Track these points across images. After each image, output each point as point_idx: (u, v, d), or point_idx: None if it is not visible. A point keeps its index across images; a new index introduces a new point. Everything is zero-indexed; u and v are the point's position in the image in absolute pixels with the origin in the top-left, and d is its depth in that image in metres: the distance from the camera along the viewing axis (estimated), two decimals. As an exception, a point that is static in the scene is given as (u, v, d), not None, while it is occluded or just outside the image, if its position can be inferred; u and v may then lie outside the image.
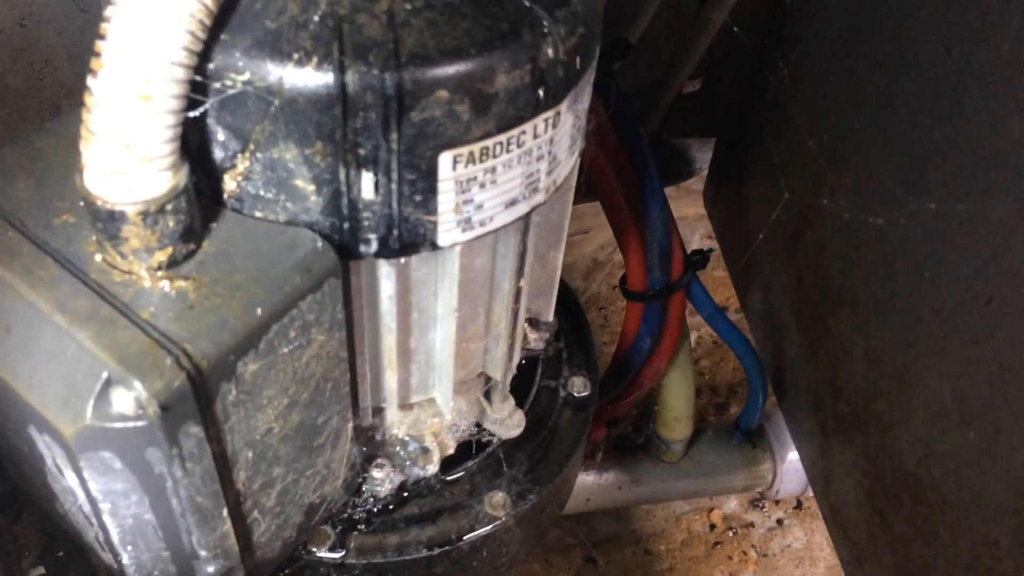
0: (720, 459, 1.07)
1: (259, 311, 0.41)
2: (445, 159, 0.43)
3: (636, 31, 0.83)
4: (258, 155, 0.42)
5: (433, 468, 0.65)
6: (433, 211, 0.45)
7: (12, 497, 0.83)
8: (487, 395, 0.67)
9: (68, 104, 0.93)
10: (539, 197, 0.49)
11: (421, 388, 0.60)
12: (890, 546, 0.86)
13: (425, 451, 0.65)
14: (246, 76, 0.39)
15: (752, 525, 1.25)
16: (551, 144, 0.47)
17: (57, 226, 0.43)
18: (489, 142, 0.43)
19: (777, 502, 1.28)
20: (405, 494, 0.67)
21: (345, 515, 0.65)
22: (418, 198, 0.44)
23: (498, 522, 0.67)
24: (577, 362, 0.79)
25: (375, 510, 0.66)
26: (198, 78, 0.38)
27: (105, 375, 0.38)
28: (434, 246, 0.47)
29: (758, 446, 1.07)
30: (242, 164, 0.42)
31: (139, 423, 0.38)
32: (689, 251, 0.85)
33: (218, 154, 0.42)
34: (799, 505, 1.28)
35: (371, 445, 0.63)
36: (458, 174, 0.44)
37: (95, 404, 0.39)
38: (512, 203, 0.48)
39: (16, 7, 0.85)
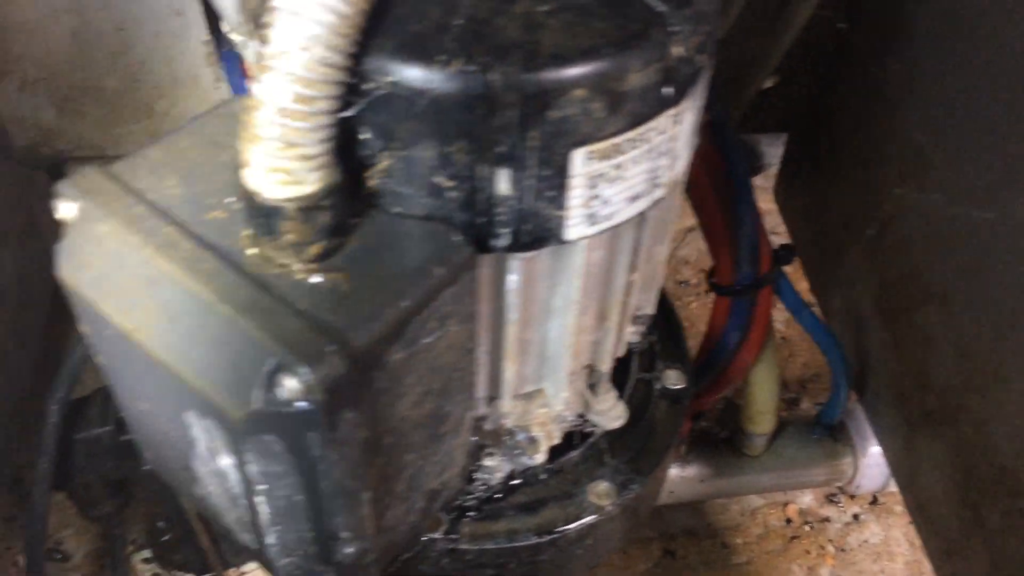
0: (801, 453, 1.07)
1: (406, 302, 0.43)
2: (578, 155, 0.44)
3: (723, 29, 0.84)
4: (400, 153, 0.44)
5: (541, 457, 0.67)
6: (563, 206, 0.47)
7: (122, 484, 0.87)
8: (591, 387, 0.69)
9: (162, 105, 0.97)
10: (659, 192, 0.51)
11: (533, 379, 0.62)
12: (983, 540, 0.85)
13: (533, 441, 0.67)
14: (393, 78, 0.41)
15: (828, 520, 1.25)
16: (674, 140, 0.49)
17: (210, 221, 0.45)
18: (619, 139, 0.45)
19: (852, 497, 1.27)
20: (512, 482, 0.69)
21: (456, 502, 0.67)
22: (550, 193, 0.46)
23: (603, 511, 0.69)
24: (670, 355, 0.81)
25: (484, 498, 0.68)
26: (351, 80, 0.40)
27: (273, 362, 0.40)
28: (561, 240, 0.49)
29: (840, 440, 1.07)
30: (384, 162, 0.45)
31: (304, 408, 0.41)
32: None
33: (361, 152, 0.44)
34: (875, 500, 1.28)
35: (480, 435, 0.65)
36: (588, 170, 0.45)
37: (263, 390, 0.41)
38: (635, 198, 0.49)
39: (115, 12, 0.89)
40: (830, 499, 1.27)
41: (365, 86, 0.41)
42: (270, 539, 0.52)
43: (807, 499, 1.27)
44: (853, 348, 1.02)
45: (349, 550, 0.53)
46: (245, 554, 0.85)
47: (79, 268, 0.46)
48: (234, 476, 0.48)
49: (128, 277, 0.44)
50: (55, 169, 1.17)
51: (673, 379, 0.78)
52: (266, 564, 0.56)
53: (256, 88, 0.39)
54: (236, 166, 0.48)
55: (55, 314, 1.24)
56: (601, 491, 0.70)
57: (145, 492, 0.89)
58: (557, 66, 0.41)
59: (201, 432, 0.47)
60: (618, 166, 0.46)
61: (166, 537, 0.90)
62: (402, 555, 0.65)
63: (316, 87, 0.38)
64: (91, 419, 0.78)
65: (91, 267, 0.45)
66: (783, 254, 0.85)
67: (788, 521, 1.24)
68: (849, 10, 0.94)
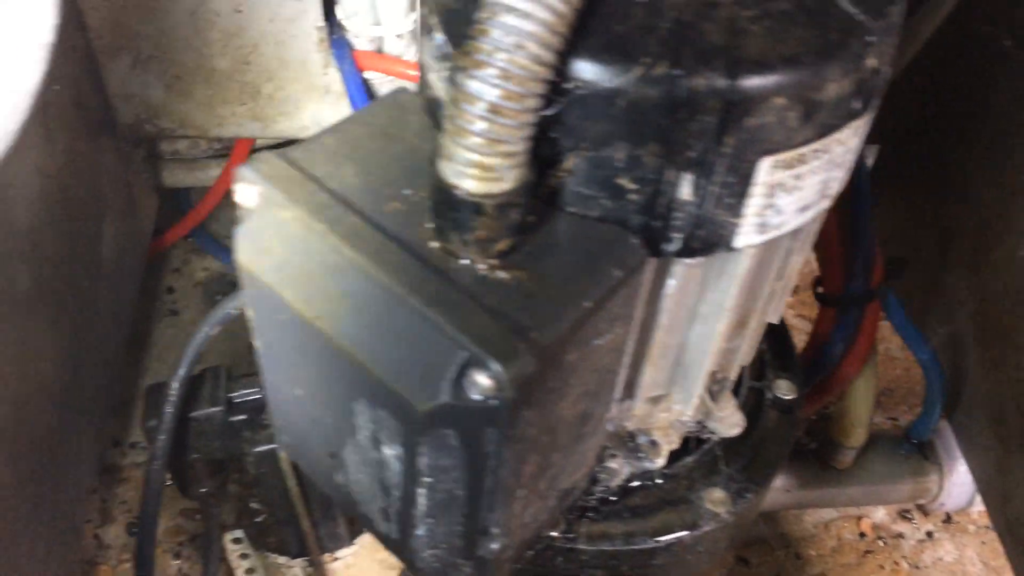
0: (888, 468, 1.06)
1: (588, 303, 0.43)
2: (764, 164, 0.44)
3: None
4: (588, 154, 0.44)
5: (662, 461, 0.67)
6: (739, 214, 0.46)
7: (221, 464, 0.88)
8: (710, 393, 0.69)
9: (268, 88, 0.97)
10: (825, 203, 0.51)
11: (665, 383, 0.62)
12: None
13: (654, 444, 0.67)
14: (595, 78, 0.41)
15: (902, 536, 1.24)
16: (849, 152, 0.48)
17: (389, 213, 0.46)
18: (805, 149, 0.45)
19: (926, 514, 1.26)
20: (633, 485, 0.69)
21: (575, 503, 0.67)
22: (729, 201, 0.45)
23: (719, 518, 0.68)
24: (780, 364, 0.80)
25: (601, 499, 0.68)
26: (556, 79, 0.40)
27: (464, 357, 0.41)
28: (729, 248, 0.48)
29: (928, 458, 1.06)
30: (569, 161, 0.44)
31: (492, 404, 0.41)
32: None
33: (546, 151, 0.44)
34: (948, 519, 1.27)
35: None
36: (771, 179, 0.45)
37: (452, 384, 0.41)
38: (805, 208, 0.49)
39: (235, -7, 0.89)
40: (903, 515, 1.26)
41: (566, 85, 0.41)
42: (420, 531, 0.52)
43: (880, 514, 1.26)
44: (947, 366, 1.01)
45: (494, 546, 0.53)
46: (343, 541, 0.86)
47: (260, 253, 0.46)
48: (396, 467, 0.48)
49: (312, 265, 0.44)
50: (151, 147, 1.18)
51: (784, 389, 0.78)
52: (402, 554, 0.56)
53: (465, 83, 0.38)
54: (410, 157, 0.48)
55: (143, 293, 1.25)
56: (716, 498, 0.70)
57: (240, 474, 0.90)
58: (760, 73, 0.41)
59: (367, 421, 0.47)
60: (798, 176, 0.46)
61: (259, 519, 0.91)
62: (526, 553, 0.65)
63: (528, 85, 0.38)
64: (202, 399, 0.79)
65: (273, 253, 0.45)
66: (895, 267, 0.84)
67: (862, 535, 1.23)
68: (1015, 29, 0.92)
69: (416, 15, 0.90)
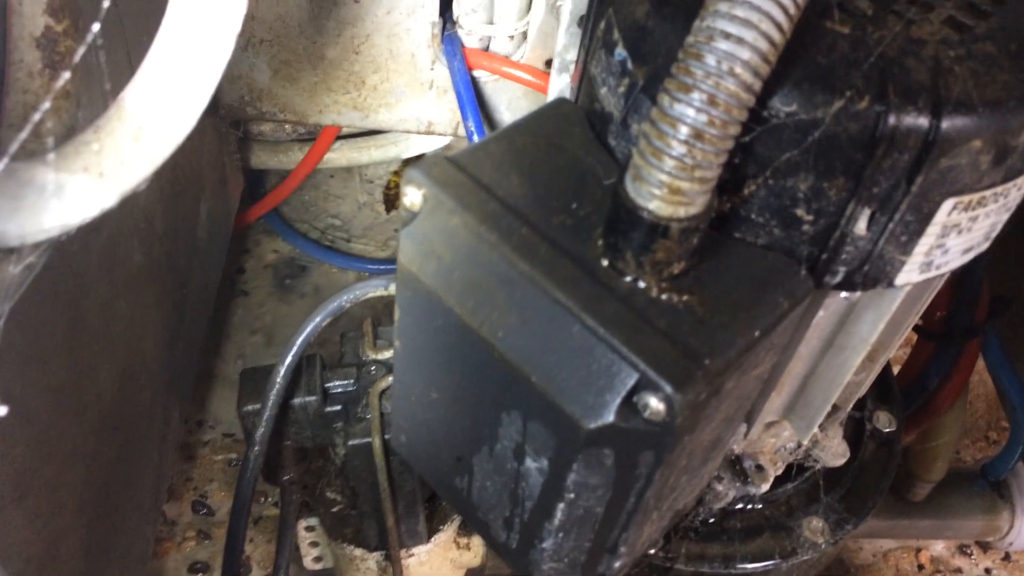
0: (961, 504, 1.05)
1: (757, 332, 0.43)
2: (947, 205, 0.43)
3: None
4: (770, 182, 0.43)
5: (766, 487, 0.66)
6: (909, 252, 0.46)
7: (305, 452, 0.88)
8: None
9: (374, 79, 0.97)
10: (985, 246, 0.50)
11: (784, 411, 0.62)
12: None
13: (760, 469, 0.66)
14: (792, 108, 0.41)
15: (960, 571, 1.23)
16: (1021, 196, 0.47)
17: (558, 226, 0.45)
18: (988, 192, 0.44)
19: (985, 551, 1.25)
20: (733, 508, 0.68)
21: (678, 524, 0.66)
22: (903, 239, 0.45)
23: (818, 548, 0.68)
24: (880, 395, 0.79)
25: (703, 521, 0.68)
26: (756, 107, 0.40)
27: (636, 378, 0.40)
28: (890, 284, 0.48)
29: (1003, 496, 1.05)
30: (748, 188, 0.44)
31: (659, 428, 0.40)
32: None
33: (725, 176, 0.44)
34: (1007, 557, 1.25)
35: (711, 457, 0.65)
36: (948, 220, 0.44)
37: (620, 405, 0.41)
38: (968, 251, 0.48)
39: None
40: (962, 550, 1.25)
41: (766, 112, 0.40)
42: (546, 544, 0.52)
43: (939, 547, 1.25)
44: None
45: (616, 564, 0.53)
46: (420, 539, 0.86)
47: (425, 256, 0.46)
48: (536, 479, 0.48)
49: (481, 273, 0.44)
50: (245, 129, 1.19)
51: (884, 421, 0.77)
52: (518, 564, 0.56)
53: (671, 106, 0.38)
54: (576, 170, 0.48)
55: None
56: (815, 527, 0.69)
57: (325, 463, 0.90)
58: (962, 115, 0.40)
59: (515, 432, 0.47)
60: (973, 219, 0.45)
61: (335, 508, 0.91)
62: (632, 571, 0.65)
63: (733, 112, 0.38)
64: (298, 387, 0.79)
65: (439, 257, 0.45)
66: (999, 306, 0.83)
67: (920, 567, 1.22)
68: None
69: (528, 18, 0.90)
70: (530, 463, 0.48)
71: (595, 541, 0.50)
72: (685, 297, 0.43)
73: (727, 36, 0.37)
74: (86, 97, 0.53)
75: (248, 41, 0.92)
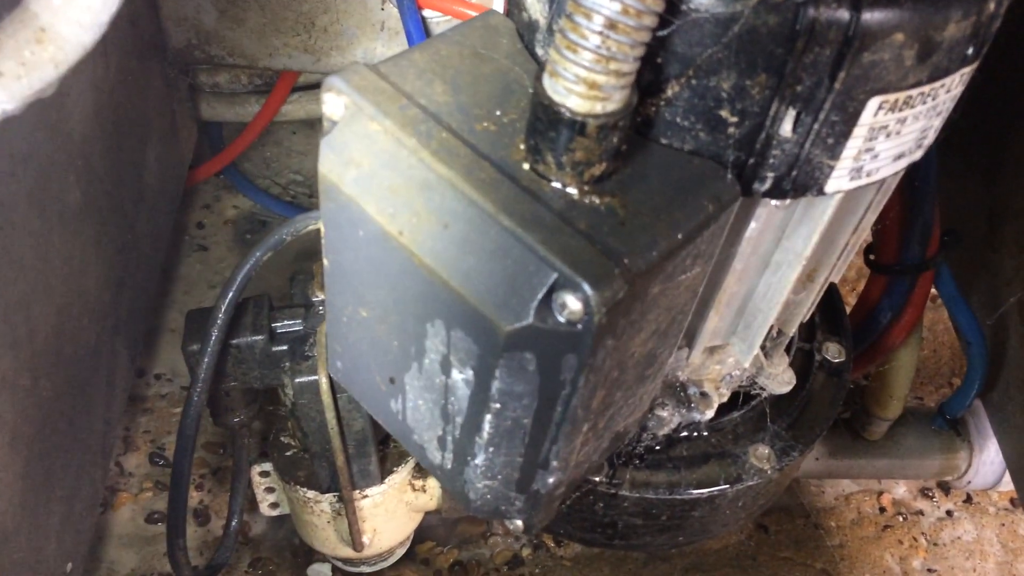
0: (918, 443, 1.06)
1: (679, 235, 0.42)
2: (872, 104, 0.43)
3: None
4: (692, 82, 0.42)
5: (710, 413, 0.66)
6: (837, 156, 0.45)
7: (256, 395, 0.87)
8: (764, 349, 0.68)
9: (323, 20, 0.96)
10: (918, 154, 0.49)
11: (725, 333, 0.61)
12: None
13: (705, 396, 0.66)
14: (711, 1, 0.40)
15: (921, 513, 1.24)
16: (952, 100, 0.47)
17: (480, 132, 0.44)
18: (914, 91, 0.43)
19: (947, 493, 1.26)
20: (679, 435, 0.68)
21: (621, 449, 0.66)
22: (830, 141, 0.44)
23: (764, 475, 0.68)
24: (830, 327, 0.79)
25: (647, 448, 0.67)
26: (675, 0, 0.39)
27: (554, 278, 0.40)
28: (820, 192, 0.47)
29: (960, 435, 1.06)
30: (671, 90, 0.43)
31: (578, 328, 0.40)
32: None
33: (648, 77, 0.43)
34: (969, 499, 1.27)
35: (654, 384, 0.65)
36: (875, 121, 0.44)
37: (538, 305, 0.40)
38: (899, 157, 0.48)
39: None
40: (924, 492, 1.26)
41: (684, 6, 0.40)
42: (478, 460, 0.51)
43: (901, 490, 1.26)
44: (988, 344, 1.00)
45: (549, 480, 0.52)
46: (374, 480, 0.86)
47: (345, 164, 0.45)
48: (464, 392, 0.48)
49: (400, 179, 0.43)
50: (194, 76, 1.17)
51: (833, 352, 0.77)
52: (454, 485, 0.55)
53: (582, -4, 0.37)
54: (501, 79, 0.47)
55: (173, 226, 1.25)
56: (761, 454, 0.69)
57: (275, 406, 0.89)
58: (884, 7, 0.39)
59: (440, 344, 0.46)
60: (901, 120, 0.45)
61: (288, 452, 0.91)
62: (572, 495, 0.65)
63: (649, 1, 0.37)
64: (244, 327, 0.78)
65: (359, 165, 0.44)
66: (951, 239, 0.83)
67: (882, 510, 1.23)
68: None
69: (478, -48, 0.88)
70: (456, 375, 0.47)
71: (526, 456, 0.50)
72: (607, 199, 0.42)
73: (638, -81, 0.36)
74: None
75: (191, -20, 0.91)
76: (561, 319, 0.40)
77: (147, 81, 0.94)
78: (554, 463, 0.50)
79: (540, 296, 0.40)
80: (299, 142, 1.52)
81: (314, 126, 1.51)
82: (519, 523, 0.57)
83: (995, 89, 1.00)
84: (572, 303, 0.39)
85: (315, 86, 1.30)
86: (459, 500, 0.57)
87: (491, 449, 0.50)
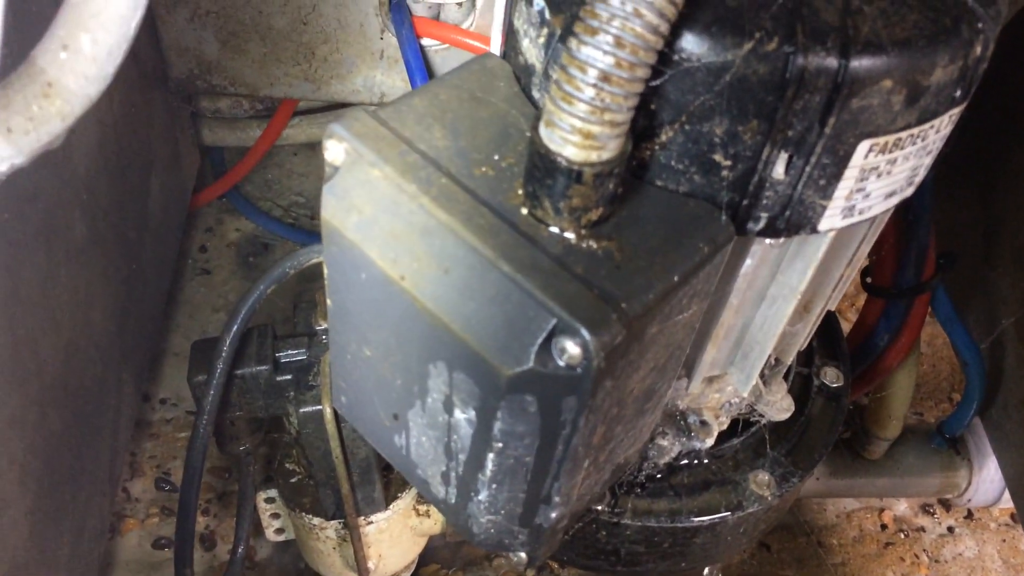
0: (918, 461, 1.06)
1: (675, 277, 0.43)
2: (862, 147, 0.44)
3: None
4: (686, 127, 0.43)
5: (710, 441, 0.67)
6: (829, 196, 0.46)
7: (260, 423, 0.88)
8: (762, 377, 0.69)
9: (323, 50, 0.97)
10: (909, 191, 0.50)
11: (723, 364, 0.62)
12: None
13: (705, 424, 0.67)
14: (702, 51, 0.41)
15: (923, 530, 1.24)
16: (942, 140, 0.48)
17: (479, 177, 0.45)
18: (903, 134, 0.44)
19: (948, 510, 1.27)
20: (679, 463, 0.69)
21: (623, 478, 0.67)
22: (822, 182, 0.45)
23: (764, 501, 0.69)
24: (828, 352, 0.80)
25: (648, 476, 0.68)
26: (665, 50, 0.40)
27: (552, 323, 0.40)
28: (813, 230, 0.48)
29: (959, 453, 1.06)
30: (664, 135, 0.44)
31: (577, 372, 0.41)
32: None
33: (642, 122, 0.44)
34: (970, 515, 1.27)
35: (654, 413, 0.65)
36: (866, 162, 0.45)
37: (538, 350, 0.41)
38: (891, 195, 0.49)
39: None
40: (925, 509, 1.26)
41: (676, 56, 0.41)
42: (481, 496, 0.52)
43: (902, 507, 1.26)
44: (985, 363, 1.01)
45: (552, 514, 0.53)
46: (378, 506, 0.86)
47: (347, 210, 0.46)
48: (466, 431, 0.48)
49: (400, 224, 0.44)
50: (197, 104, 1.18)
51: (831, 377, 0.78)
52: (458, 519, 0.56)
53: (578, 49, 0.38)
54: (499, 123, 0.48)
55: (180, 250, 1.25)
56: (761, 481, 0.70)
57: (279, 434, 0.90)
58: (871, 54, 0.40)
59: (442, 384, 0.47)
60: (892, 161, 0.46)
61: (293, 479, 0.91)
62: (575, 525, 0.65)
63: (640, 54, 0.38)
64: (249, 356, 0.79)
65: (360, 211, 0.45)
66: (946, 262, 0.83)
67: (883, 527, 1.23)
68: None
69: (476, -17, 0.89)
70: (459, 414, 0.48)
71: (529, 492, 0.51)
72: (604, 243, 0.43)
73: (629, -22, 0.37)
74: None
75: (194, 13, 0.92)
76: (561, 363, 0.41)
77: (150, 111, 0.95)
78: (556, 498, 0.51)
79: (540, 341, 0.41)
80: (300, 164, 1.54)
81: (315, 148, 1.52)
82: (523, 555, 0.58)
83: (989, 109, 1.01)
84: (571, 348, 0.40)
85: (316, 110, 1.31)
86: (463, 534, 0.58)
87: (494, 485, 0.50)
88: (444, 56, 0.95)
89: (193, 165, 1.15)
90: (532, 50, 0.48)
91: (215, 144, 1.27)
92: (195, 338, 1.31)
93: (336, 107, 1.28)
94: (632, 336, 0.42)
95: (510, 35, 0.51)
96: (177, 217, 1.08)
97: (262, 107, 1.26)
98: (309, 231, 1.45)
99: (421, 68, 0.91)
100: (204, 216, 1.45)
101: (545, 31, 0.46)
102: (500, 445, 0.47)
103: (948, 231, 1.06)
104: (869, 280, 0.86)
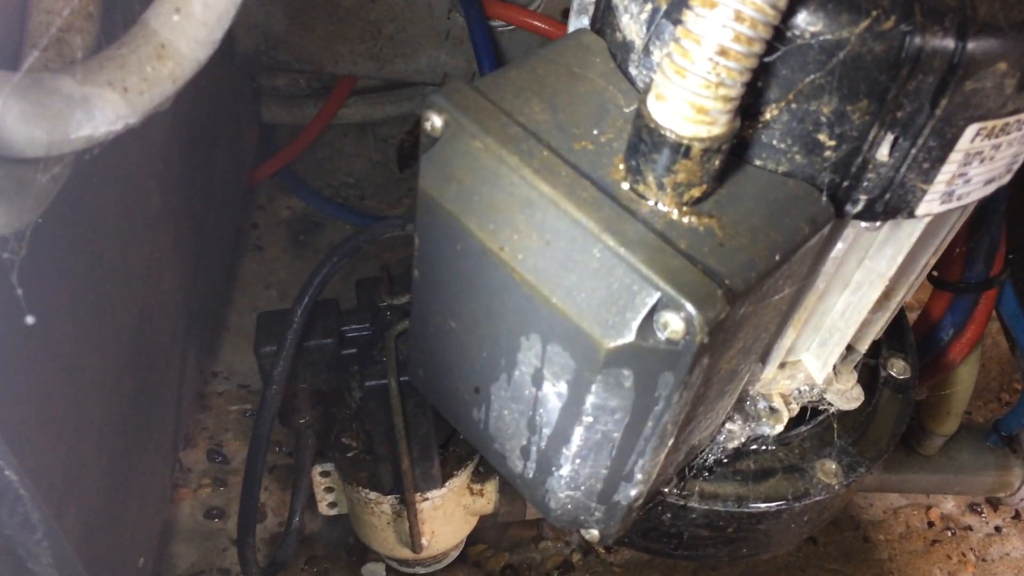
0: (973, 459, 1.06)
1: (777, 256, 0.43)
2: (970, 131, 0.43)
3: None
4: (792, 106, 0.43)
5: (780, 428, 0.67)
6: (931, 180, 0.46)
7: (321, 395, 0.88)
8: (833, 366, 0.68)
9: (389, 28, 0.97)
10: (1006, 179, 0.50)
11: (800, 349, 0.62)
12: None
13: (774, 411, 0.67)
14: (818, 28, 0.40)
15: (970, 528, 1.23)
16: (1045, 126, 0.47)
17: (579, 151, 0.45)
18: (1011, 119, 0.44)
19: (996, 509, 1.26)
20: (746, 449, 0.69)
21: (692, 461, 0.67)
22: (925, 165, 0.45)
23: (831, 490, 0.68)
24: (895, 343, 0.79)
25: (716, 460, 0.68)
26: (780, 25, 0.40)
27: (656, 297, 0.40)
28: (911, 214, 0.48)
29: (1016, 452, 1.05)
30: (769, 113, 0.44)
31: (679, 347, 0.41)
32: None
33: (746, 100, 0.44)
34: (1017, 515, 1.26)
35: (724, 398, 0.65)
36: (971, 147, 0.44)
37: (640, 324, 0.41)
38: (990, 181, 0.48)
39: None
40: (972, 508, 1.25)
41: (790, 32, 0.40)
42: (564, 470, 0.52)
43: (949, 505, 1.25)
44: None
45: (632, 492, 0.53)
46: (435, 483, 0.87)
47: (446, 180, 0.46)
48: (554, 404, 0.48)
49: (501, 195, 0.44)
50: (258, 83, 1.19)
51: (899, 368, 0.77)
52: (535, 494, 0.56)
53: (695, 23, 0.38)
54: (597, 98, 0.48)
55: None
56: (828, 469, 0.69)
57: (339, 407, 0.90)
58: (988, 36, 0.40)
59: (533, 357, 0.47)
60: (996, 146, 0.45)
61: (350, 453, 0.92)
62: (646, 506, 0.66)
63: (759, 28, 0.38)
64: (315, 330, 0.79)
65: (460, 181, 0.45)
66: (1017, 257, 0.82)
67: (930, 524, 1.22)
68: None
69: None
70: (548, 388, 0.48)
71: (612, 468, 0.51)
72: (705, 220, 0.43)
73: (752, -49, 0.37)
74: (108, 20, 0.53)
75: (264, -12, 0.92)
76: (662, 338, 0.41)
77: (216, 85, 0.95)
78: (638, 475, 0.51)
79: (643, 315, 0.41)
80: (350, 144, 1.54)
81: (366, 129, 1.52)
82: (595, 532, 0.58)
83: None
84: (674, 323, 0.40)
85: (372, 90, 1.32)
86: (539, 509, 0.58)
87: (578, 461, 0.51)
88: (511, 37, 0.95)
89: (252, 141, 1.16)
90: (632, 26, 0.47)
91: (272, 122, 1.28)
92: (246, 313, 1.33)
93: (392, 87, 1.28)
94: (733, 314, 0.42)
95: (606, 12, 0.51)
96: (237, 192, 1.09)
97: (319, 85, 1.26)
98: (358, 211, 1.45)
99: (488, 50, 0.91)
100: (257, 193, 1.46)
101: (649, 6, 0.45)
102: (590, 419, 0.47)
103: (1019, 226, 1.05)
104: (936, 274, 0.85)
